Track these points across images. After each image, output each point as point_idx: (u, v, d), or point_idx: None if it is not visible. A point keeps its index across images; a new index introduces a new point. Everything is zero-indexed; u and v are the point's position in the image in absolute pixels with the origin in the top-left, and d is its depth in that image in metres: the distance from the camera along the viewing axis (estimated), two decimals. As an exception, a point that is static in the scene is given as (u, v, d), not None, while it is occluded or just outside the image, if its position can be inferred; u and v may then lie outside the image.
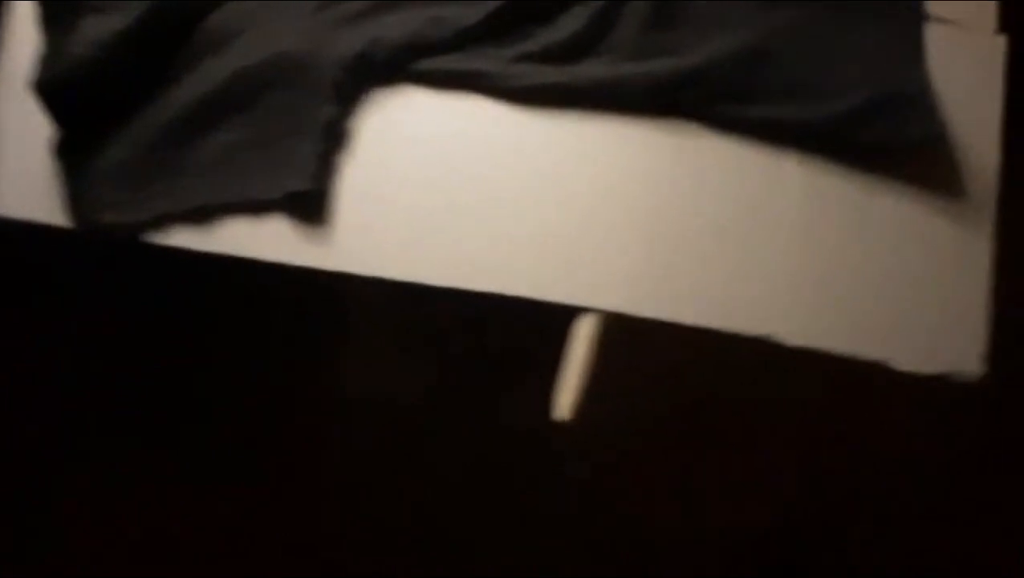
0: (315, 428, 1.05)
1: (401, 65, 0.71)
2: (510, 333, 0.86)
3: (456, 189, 0.71)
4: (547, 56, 0.70)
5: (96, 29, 0.70)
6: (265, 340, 1.10)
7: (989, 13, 0.75)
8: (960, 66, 0.73)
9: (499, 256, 0.69)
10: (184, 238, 0.71)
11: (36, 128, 0.70)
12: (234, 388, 1.07)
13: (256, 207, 0.71)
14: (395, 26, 0.71)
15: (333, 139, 0.71)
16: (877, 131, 0.67)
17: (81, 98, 0.70)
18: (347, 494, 1.02)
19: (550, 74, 0.70)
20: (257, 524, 1.03)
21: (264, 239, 0.71)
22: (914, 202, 0.69)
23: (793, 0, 0.72)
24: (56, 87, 0.68)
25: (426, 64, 0.71)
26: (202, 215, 0.71)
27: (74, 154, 0.70)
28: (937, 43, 0.73)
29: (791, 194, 0.69)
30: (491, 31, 0.71)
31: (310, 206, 0.71)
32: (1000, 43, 0.73)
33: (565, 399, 0.73)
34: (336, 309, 1.07)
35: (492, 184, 0.71)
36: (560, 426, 0.73)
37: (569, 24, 0.71)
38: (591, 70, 0.70)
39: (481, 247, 0.69)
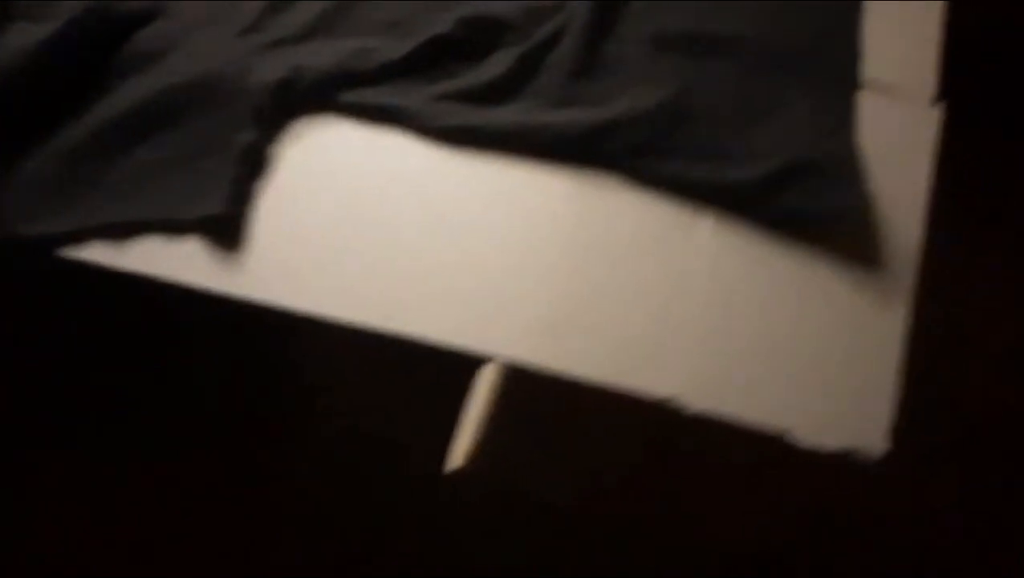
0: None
1: (324, 95, 0.71)
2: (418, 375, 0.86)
3: (371, 225, 0.70)
4: (470, 97, 0.70)
5: (22, 38, 0.70)
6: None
7: (928, 81, 0.74)
8: (891, 135, 0.71)
9: (407, 297, 0.68)
10: (99, 253, 0.71)
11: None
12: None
13: (171, 227, 0.71)
14: (321, 55, 0.71)
15: (251, 164, 0.70)
16: (792, 199, 0.66)
17: (2, 106, 0.70)
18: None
19: (471, 116, 0.69)
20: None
21: (178, 260, 0.70)
22: (830, 272, 0.68)
23: (724, 56, 0.71)
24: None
25: (348, 96, 0.70)
26: (118, 231, 0.71)
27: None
28: (870, 109, 0.72)
29: (704, 255, 0.68)
30: (416, 67, 0.71)
31: (223, 231, 0.70)
32: (935, 114, 0.72)
33: (461, 447, 0.72)
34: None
35: (407, 223, 0.70)
36: (454, 474, 0.72)
37: (494, 66, 0.70)
38: (512, 115, 0.69)
39: (389, 286, 0.68)
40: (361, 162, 0.71)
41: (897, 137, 0.72)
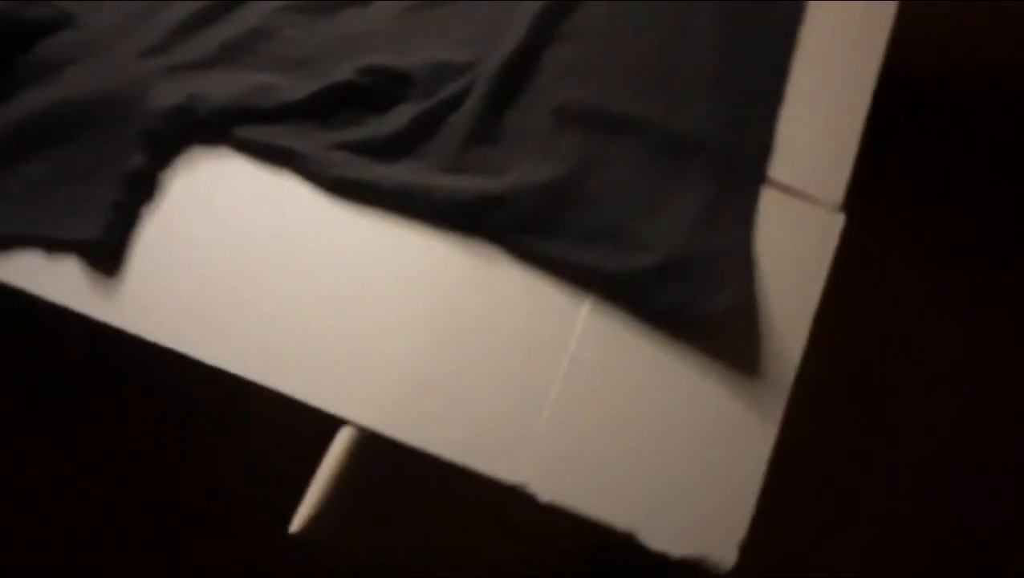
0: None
1: (220, 127, 0.69)
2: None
3: (248, 269, 0.68)
4: (365, 149, 0.68)
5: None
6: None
7: (838, 188, 0.72)
8: (790, 238, 0.69)
9: (272, 346, 0.66)
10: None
11: None
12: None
13: (50, 245, 0.69)
14: (221, 85, 0.69)
15: (137, 190, 0.69)
16: (675, 294, 0.64)
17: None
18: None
19: (364, 169, 0.67)
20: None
21: (56, 279, 0.69)
22: (706, 373, 0.66)
23: (627, 136, 0.69)
24: None
25: (243, 131, 0.69)
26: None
27: None
28: (773, 209, 0.70)
29: (579, 341, 0.66)
30: (316, 111, 0.69)
31: (100, 255, 0.69)
32: (838, 221, 0.70)
33: (306, 508, 0.70)
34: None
35: (285, 270, 0.68)
36: (294, 538, 0.70)
37: (393, 121, 0.69)
38: (404, 173, 0.67)
39: (256, 334, 0.67)
40: (250, 202, 0.70)
41: (797, 241, 0.70)
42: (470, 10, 0.72)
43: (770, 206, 0.70)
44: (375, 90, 0.69)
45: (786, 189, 0.71)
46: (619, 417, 0.65)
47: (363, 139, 0.68)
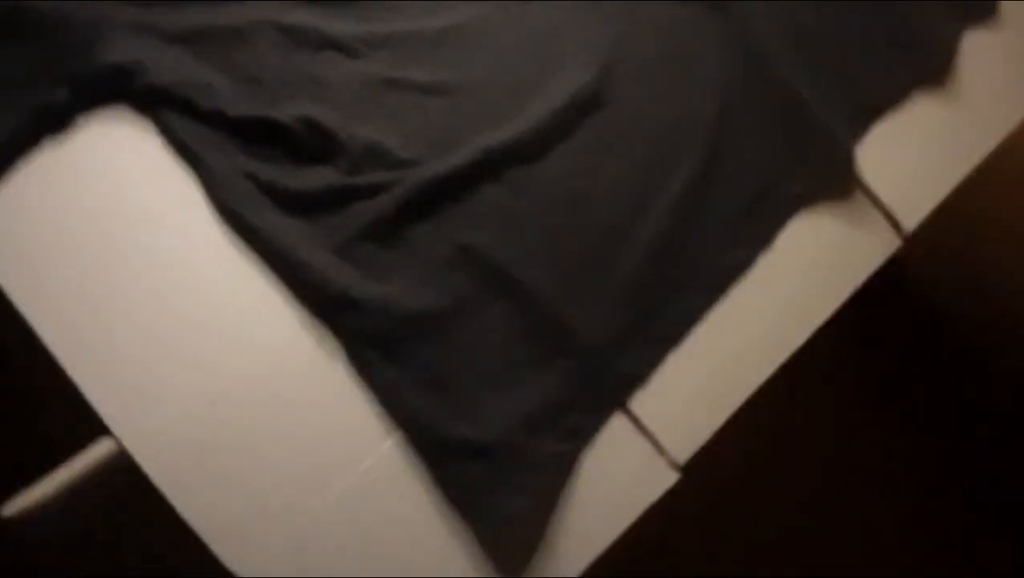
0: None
1: (151, 103, 0.67)
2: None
3: (100, 242, 0.66)
4: (271, 190, 0.66)
5: None
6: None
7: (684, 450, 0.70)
8: (622, 469, 0.68)
9: (83, 327, 0.64)
10: None
11: None
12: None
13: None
14: (171, 65, 0.67)
15: (43, 123, 0.67)
16: (473, 475, 0.62)
17: None
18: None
19: (255, 211, 0.65)
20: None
21: None
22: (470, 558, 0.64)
23: (507, 297, 0.68)
24: None
25: (169, 117, 0.66)
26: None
27: None
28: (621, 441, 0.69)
29: (365, 468, 0.64)
30: (245, 133, 0.67)
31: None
32: (670, 478, 0.68)
33: (22, 500, 0.67)
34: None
35: (134, 259, 0.66)
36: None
37: (308, 179, 0.67)
38: (290, 234, 0.65)
39: (77, 310, 0.64)
40: (141, 182, 0.68)
41: (626, 479, 0.68)
42: (438, 110, 0.71)
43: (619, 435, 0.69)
44: (306, 142, 0.67)
45: (642, 428, 0.69)
46: (366, 555, 0.63)
47: (271, 180, 0.66)
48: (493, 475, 0.63)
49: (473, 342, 0.66)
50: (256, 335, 0.66)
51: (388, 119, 0.69)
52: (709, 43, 0.77)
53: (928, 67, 0.81)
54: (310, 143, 0.68)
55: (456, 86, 0.71)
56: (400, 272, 0.66)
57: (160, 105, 0.68)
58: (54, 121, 0.68)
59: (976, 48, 0.83)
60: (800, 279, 0.75)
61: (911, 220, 0.78)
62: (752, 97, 0.76)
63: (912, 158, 0.80)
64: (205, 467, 0.63)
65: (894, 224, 0.78)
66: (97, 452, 0.68)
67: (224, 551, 0.61)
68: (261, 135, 0.68)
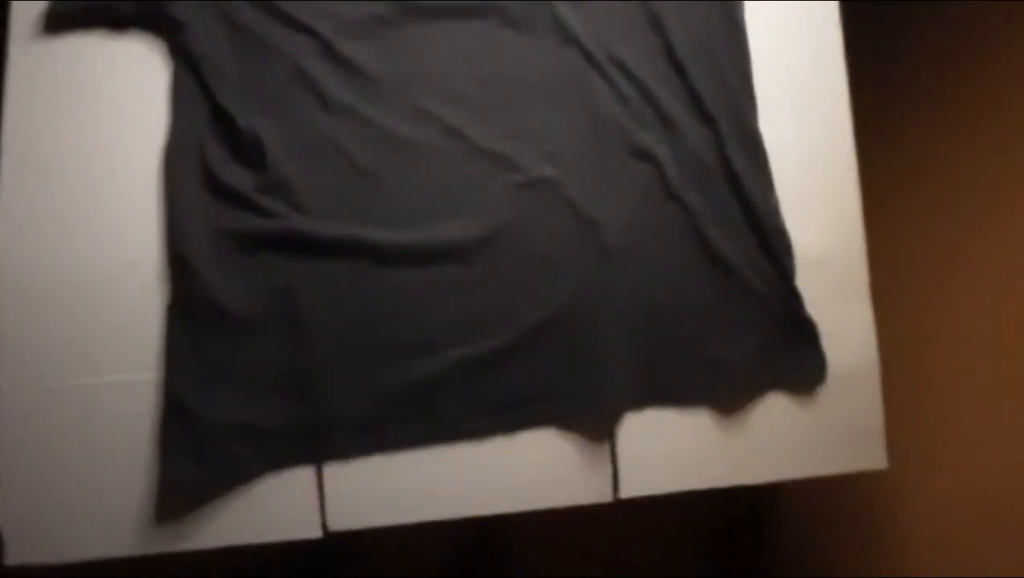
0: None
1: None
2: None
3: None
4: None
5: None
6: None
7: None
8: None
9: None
10: None
11: None
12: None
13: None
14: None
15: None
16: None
17: None
18: None
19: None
20: None
21: None
22: None
23: (296, 340, 0.86)
24: None
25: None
26: None
27: None
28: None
29: None
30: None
31: None
32: None
33: None
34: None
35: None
36: None
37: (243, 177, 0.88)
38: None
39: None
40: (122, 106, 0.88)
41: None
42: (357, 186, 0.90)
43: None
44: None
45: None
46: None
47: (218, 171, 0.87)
48: (191, 443, 0.80)
49: (254, 357, 0.85)
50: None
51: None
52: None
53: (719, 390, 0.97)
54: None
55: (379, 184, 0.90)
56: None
57: (182, 61, 0.89)
58: (109, 15, 0.89)
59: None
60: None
61: (630, 489, 0.92)
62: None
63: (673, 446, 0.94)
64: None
65: (615, 483, 0.93)
66: None
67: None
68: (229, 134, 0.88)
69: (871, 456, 0.95)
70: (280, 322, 0.86)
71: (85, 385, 0.83)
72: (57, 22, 0.88)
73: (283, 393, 0.85)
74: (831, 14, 1.01)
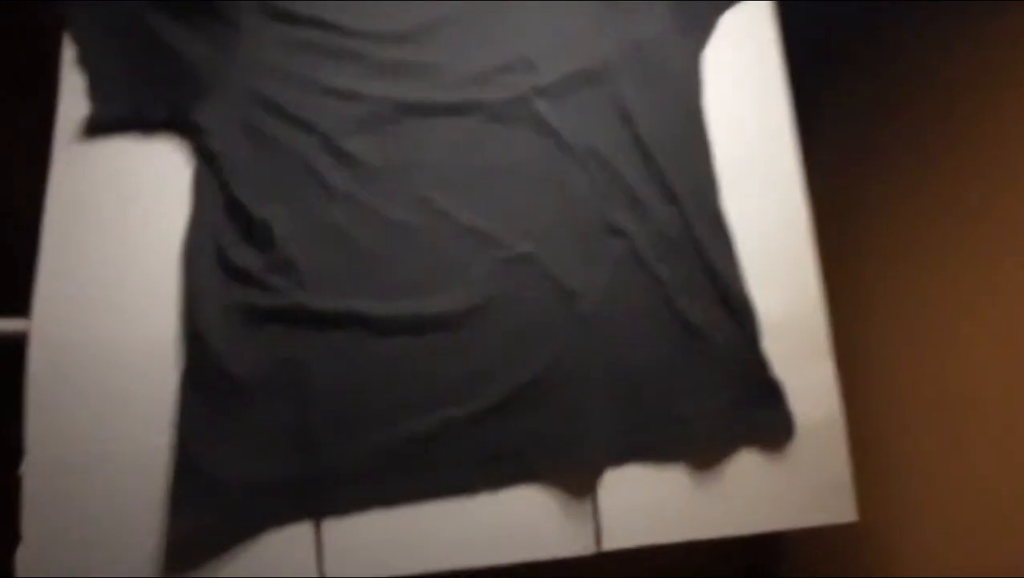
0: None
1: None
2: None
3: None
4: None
5: None
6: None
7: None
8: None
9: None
10: None
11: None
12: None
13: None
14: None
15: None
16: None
17: None
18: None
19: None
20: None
21: None
22: None
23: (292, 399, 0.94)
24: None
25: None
26: None
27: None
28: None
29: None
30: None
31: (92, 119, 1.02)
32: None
33: None
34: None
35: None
36: None
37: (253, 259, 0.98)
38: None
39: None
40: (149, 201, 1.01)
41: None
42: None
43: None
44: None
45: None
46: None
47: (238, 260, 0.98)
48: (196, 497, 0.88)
49: (260, 419, 0.93)
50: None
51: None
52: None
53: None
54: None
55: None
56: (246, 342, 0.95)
57: (203, 159, 1.02)
58: (142, 123, 1.02)
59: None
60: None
61: (612, 541, 0.98)
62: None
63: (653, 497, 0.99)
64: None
65: (598, 536, 0.98)
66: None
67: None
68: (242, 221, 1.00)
69: (841, 509, 1.00)
70: (285, 387, 0.95)
71: (107, 451, 0.91)
72: (97, 128, 1.01)
73: (287, 452, 0.92)
74: (780, 96, 1.13)
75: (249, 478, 0.91)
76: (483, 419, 0.97)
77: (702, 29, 1.16)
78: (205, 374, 0.93)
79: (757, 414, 1.03)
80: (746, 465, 1.01)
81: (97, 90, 1.02)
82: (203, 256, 0.98)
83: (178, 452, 0.91)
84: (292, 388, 0.95)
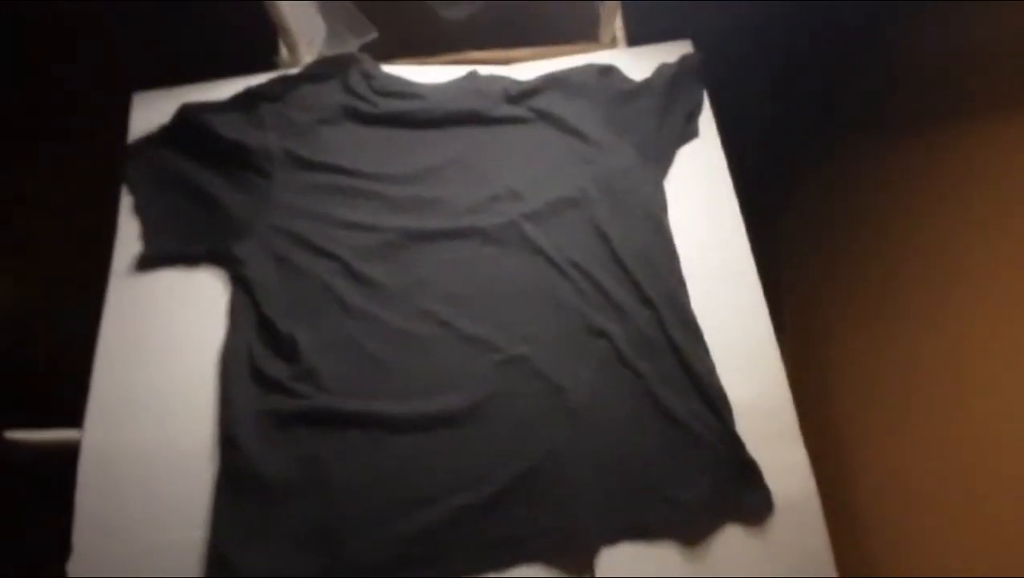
0: None
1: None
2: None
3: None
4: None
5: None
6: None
7: None
8: None
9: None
10: None
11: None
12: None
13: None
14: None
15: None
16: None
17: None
18: None
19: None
20: None
21: None
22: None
23: (318, 498, 1.04)
24: None
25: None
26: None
27: None
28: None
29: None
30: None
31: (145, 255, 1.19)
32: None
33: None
34: None
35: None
36: None
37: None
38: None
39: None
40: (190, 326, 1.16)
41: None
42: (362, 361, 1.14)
43: None
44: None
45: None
46: None
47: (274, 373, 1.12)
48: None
49: (286, 515, 1.03)
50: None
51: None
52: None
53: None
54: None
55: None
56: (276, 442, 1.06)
57: (239, 285, 1.18)
58: (186, 258, 1.19)
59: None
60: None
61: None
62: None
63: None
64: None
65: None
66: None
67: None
68: (271, 337, 1.14)
69: (822, 572, 1.08)
70: (309, 485, 1.05)
71: (152, 542, 1.01)
72: (148, 264, 1.18)
73: (311, 546, 1.02)
74: (732, 207, 1.31)
75: (276, 571, 1.00)
76: (487, 507, 1.07)
77: (664, 160, 1.35)
78: (237, 474, 1.05)
79: (739, 494, 1.12)
80: (731, 539, 1.09)
81: (149, 234, 1.20)
82: (237, 368, 1.12)
83: (209, 549, 1.00)
84: (316, 485, 1.05)
